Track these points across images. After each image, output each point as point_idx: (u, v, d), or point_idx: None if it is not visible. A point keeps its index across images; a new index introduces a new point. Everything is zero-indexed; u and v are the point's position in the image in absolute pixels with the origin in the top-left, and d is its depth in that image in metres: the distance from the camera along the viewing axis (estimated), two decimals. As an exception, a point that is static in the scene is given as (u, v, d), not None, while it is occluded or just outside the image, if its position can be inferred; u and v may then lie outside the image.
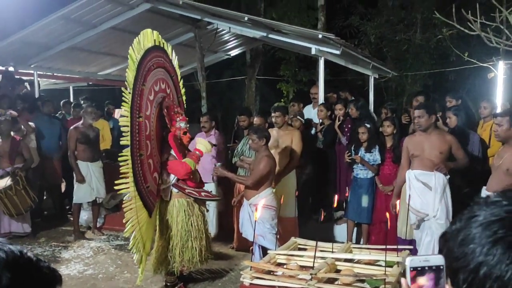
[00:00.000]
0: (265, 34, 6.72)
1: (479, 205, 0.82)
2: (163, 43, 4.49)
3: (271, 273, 3.01)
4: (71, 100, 9.78)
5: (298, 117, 6.17)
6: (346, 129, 6.09)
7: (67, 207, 7.24)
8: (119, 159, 3.86)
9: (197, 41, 7.80)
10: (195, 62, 8.45)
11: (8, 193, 5.69)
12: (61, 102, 8.56)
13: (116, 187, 3.89)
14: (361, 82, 10.87)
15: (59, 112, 8.24)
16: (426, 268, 0.83)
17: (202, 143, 4.39)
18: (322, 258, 3.05)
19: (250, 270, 3.00)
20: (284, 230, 4.87)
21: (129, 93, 3.82)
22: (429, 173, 4.40)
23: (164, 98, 4.37)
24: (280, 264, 3.15)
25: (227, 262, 5.22)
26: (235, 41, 9.58)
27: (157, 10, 6.92)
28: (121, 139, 3.89)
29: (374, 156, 5.32)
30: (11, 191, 5.69)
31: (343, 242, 3.95)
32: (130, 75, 3.87)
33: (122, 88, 3.87)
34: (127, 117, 3.78)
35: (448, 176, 4.42)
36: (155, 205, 4.24)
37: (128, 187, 3.86)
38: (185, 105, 4.87)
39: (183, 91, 4.93)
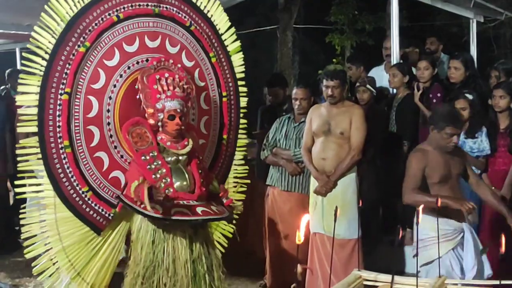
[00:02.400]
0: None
1: None
2: None
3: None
4: (19, 68, 9.98)
5: (368, 85, 6.08)
6: (434, 100, 6.02)
7: (17, 228, 7.42)
8: (19, 151, 3.98)
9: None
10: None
11: None
12: (6, 72, 8.75)
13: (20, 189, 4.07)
14: (456, 29, 10.71)
15: (1, 87, 8.43)
16: None
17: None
18: (402, 300, 3.06)
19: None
20: (342, 257, 4.88)
21: (44, 59, 3.91)
22: None
23: (148, 63, 4.29)
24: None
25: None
26: (261, -28, 9.59)
27: None
28: (18, 124, 4.09)
29: (480, 144, 5.31)
30: None
31: (432, 276, 3.95)
32: (45, 33, 3.94)
33: (25, 53, 3.95)
34: (35, 94, 3.90)
35: None
36: (111, 217, 4.21)
37: (40, 190, 3.99)
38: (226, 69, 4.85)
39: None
